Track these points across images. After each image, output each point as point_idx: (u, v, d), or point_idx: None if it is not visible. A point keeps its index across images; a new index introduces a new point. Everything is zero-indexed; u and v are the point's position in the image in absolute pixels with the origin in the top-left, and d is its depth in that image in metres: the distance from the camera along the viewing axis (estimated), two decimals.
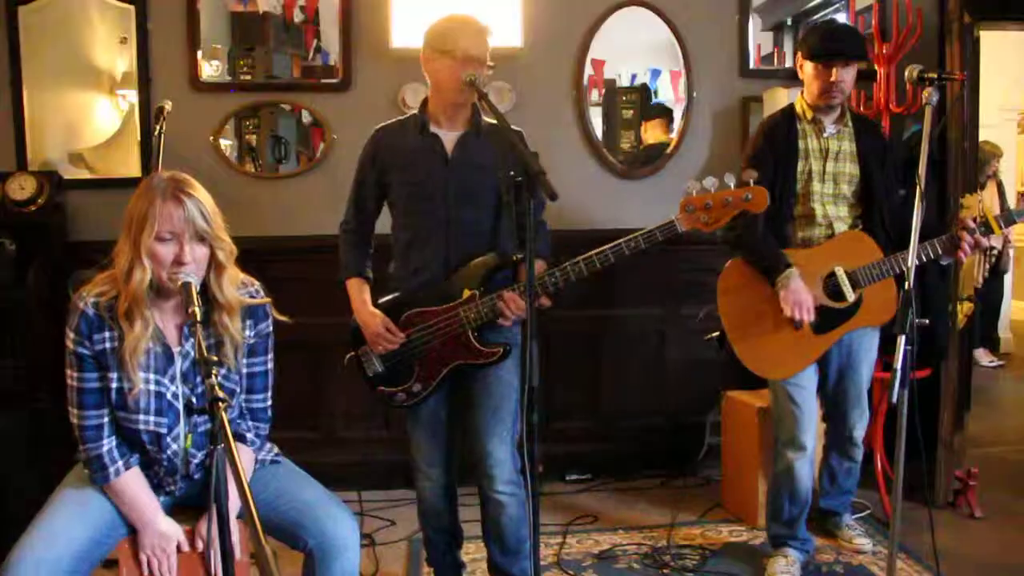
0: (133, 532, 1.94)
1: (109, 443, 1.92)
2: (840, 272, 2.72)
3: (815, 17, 4.19)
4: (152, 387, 1.92)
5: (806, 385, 2.83)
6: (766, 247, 2.74)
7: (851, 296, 2.72)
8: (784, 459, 2.86)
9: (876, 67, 3.61)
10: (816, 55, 2.75)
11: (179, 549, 1.95)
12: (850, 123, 2.86)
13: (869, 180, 2.81)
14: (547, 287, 2.37)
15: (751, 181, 2.33)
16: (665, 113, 3.98)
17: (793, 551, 2.91)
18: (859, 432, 2.99)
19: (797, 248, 2.79)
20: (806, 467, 2.85)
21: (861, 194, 2.83)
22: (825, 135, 2.82)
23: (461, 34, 2.37)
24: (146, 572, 1.91)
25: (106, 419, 1.92)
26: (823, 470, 3.12)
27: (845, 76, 2.74)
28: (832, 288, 2.74)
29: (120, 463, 1.92)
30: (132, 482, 1.93)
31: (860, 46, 2.80)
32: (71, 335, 1.90)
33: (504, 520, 2.52)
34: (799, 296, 2.66)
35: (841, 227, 2.81)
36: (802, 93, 2.87)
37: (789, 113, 2.88)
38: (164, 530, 1.93)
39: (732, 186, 2.33)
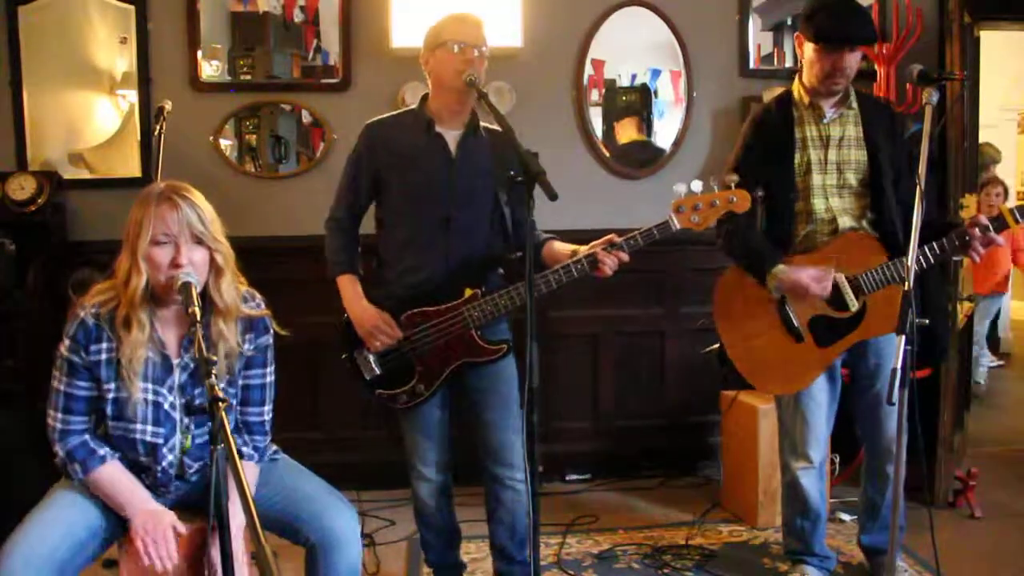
0: (127, 531, 1.90)
1: (87, 436, 1.91)
2: (841, 279, 2.52)
3: None
4: (150, 396, 1.91)
5: (816, 397, 2.65)
6: (755, 246, 2.58)
7: (854, 305, 2.52)
8: (789, 472, 2.72)
9: (876, 67, 3.62)
10: (822, 37, 2.48)
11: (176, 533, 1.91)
12: (855, 104, 2.59)
13: (877, 167, 2.56)
14: (550, 284, 2.37)
15: (732, 184, 2.35)
16: (635, 112, 3.93)
17: (812, 569, 2.75)
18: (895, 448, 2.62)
19: (798, 250, 2.59)
20: (813, 480, 2.69)
21: (869, 182, 2.57)
22: (824, 121, 2.58)
23: (451, 25, 2.43)
24: (146, 561, 1.84)
25: (88, 425, 1.93)
26: (860, 501, 2.83)
27: (851, 62, 2.50)
28: (833, 296, 2.54)
29: (102, 451, 1.90)
30: (118, 469, 1.92)
31: (871, 29, 2.56)
32: (67, 342, 1.89)
33: (520, 509, 2.54)
34: (800, 278, 2.48)
35: (846, 221, 2.57)
36: (799, 76, 2.63)
37: (784, 100, 2.65)
38: (156, 509, 1.90)
39: (717, 189, 2.37)
